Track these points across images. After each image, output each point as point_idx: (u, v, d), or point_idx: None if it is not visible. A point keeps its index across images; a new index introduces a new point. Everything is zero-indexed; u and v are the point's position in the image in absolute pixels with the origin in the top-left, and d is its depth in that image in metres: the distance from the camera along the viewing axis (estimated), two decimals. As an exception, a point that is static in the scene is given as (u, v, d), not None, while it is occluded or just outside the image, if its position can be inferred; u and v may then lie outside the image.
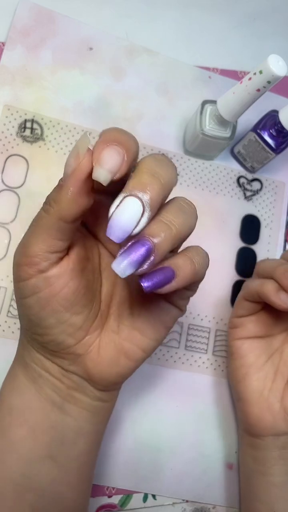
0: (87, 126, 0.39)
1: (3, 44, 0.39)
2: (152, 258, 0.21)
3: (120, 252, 0.21)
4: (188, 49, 0.43)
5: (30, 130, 0.38)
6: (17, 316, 0.35)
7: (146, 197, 0.20)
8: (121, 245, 0.21)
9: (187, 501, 0.37)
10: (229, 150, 0.42)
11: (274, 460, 0.33)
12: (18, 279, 0.24)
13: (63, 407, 0.27)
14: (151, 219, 0.21)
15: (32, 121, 0.38)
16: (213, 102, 0.36)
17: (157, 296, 0.24)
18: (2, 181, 0.37)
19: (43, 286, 0.23)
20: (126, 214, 0.20)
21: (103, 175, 0.20)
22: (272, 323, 0.36)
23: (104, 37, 0.41)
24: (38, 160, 0.38)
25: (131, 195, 0.20)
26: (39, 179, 0.37)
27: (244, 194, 0.42)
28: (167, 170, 0.22)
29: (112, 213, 0.20)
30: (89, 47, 0.40)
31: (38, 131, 0.38)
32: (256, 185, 0.42)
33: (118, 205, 0.20)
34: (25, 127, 0.38)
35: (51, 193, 0.22)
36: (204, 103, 0.36)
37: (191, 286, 0.25)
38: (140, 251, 0.20)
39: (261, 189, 0.42)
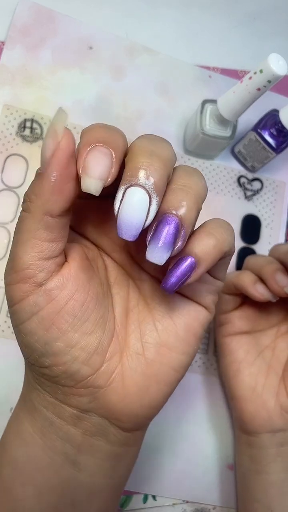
0: (87, 126, 0.39)
1: (3, 43, 0.39)
2: (183, 231, 0.18)
3: (148, 239, 0.19)
4: (188, 48, 0.43)
5: (30, 129, 0.38)
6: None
7: (149, 182, 0.18)
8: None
9: (187, 502, 0.36)
10: (230, 149, 0.42)
11: (271, 458, 0.33)
12: (13, 301, 0.20)
13: (77, 460, 0.22)
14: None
15: (32, 120, 0.38)
16: (214, 101, 0.36)
17: (180, 299, 0.22)
18: (2, 180, 0.37)
19: (43, 302, 0.20)
20: (133, 208, 0.18)
21: (93, 185, 0.18)
22: (258, 317, 0.35)
23: (104, 37, 0.41)
24: (37, 159, 0.38)
25: (132, 185, 0.18)
26: (39, 178, 0.37)
27: (245, 193, 0.41)
28: (163, 146, 0.19)
29: (118, 210, 0.18)
30: (89, 47, 0.40)
31: (38, 131, 0.38)
32: (256, 185, 0.42)
33: (121, 200, 0.18)
34: (24, 127, 0.38)
35: (28, 188, 0.19)
36: (205, 102, 0.36)
37: (219, 268, 0.22)
38: (169, 230, 0.18)
39: (261, 188, 0.42)
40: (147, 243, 0.19)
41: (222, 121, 0.36)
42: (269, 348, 0.35)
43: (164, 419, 0.37)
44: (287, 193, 0.43)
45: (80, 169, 0.18)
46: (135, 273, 0.24)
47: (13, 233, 0.36)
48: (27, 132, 0.38)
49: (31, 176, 0.37)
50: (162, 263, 0.18)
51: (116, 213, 0.18)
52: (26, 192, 0.19)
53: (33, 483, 0.22)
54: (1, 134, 0.37)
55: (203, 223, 0.21)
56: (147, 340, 0.22)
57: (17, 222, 0.20)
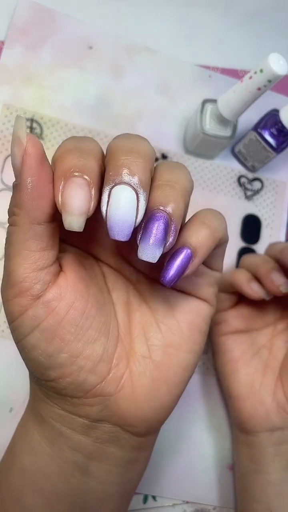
0: (87, 125, 0.39)
1: (3, 43, 0.38)
2: (173, 226, 0.18)
3: (139, 238, 0.18)
4: (188, 47, 0.43)
5: (30, 129, 0.38)
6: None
7: (134, 179, 0.17)
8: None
9: (187, 502, 0.36)
10: (230, 149, 0.42)
11: (270, 457, 0.33)
12: (13, 316, 0.20)
13: (88, 468, 0.22)
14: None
15: (32, 120, 0.38)
16: (214, 101, 0.36)
17: (180, 297, 0.22)
18: (2, 180, 0.37)
19: (43, 314, 0.19)
20: (122, 207, 0.17)
21: (75, 222, 0.17)
22: (254, 316, 0.35)
23: (103, 36, 0.41)
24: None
25: (116, 184, 0.17)
26: (38, 178, 0.37)
27: (245, 193, 0.41)
28: (140, 142, 0.19)
29: (106, 212, 0.18)
30: (88, 46, 0.40)
31: (38, 130, 0.38)
32: (256, 185, 0.42)
33: (107, 201, 0.18)
34: (24, 126, 0.38)
35: (10, 203, 0.19)
36: (205, 102, 0.36)
37: (215, 258, 0.23)
38: (158, 227, 0.18)
39: (261, 188, 0.42)
40: (138, 242, 0.18)
41: (222, 120, 0.35)
42: (266, 347, 0.35)
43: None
44: (287, 193, 0.43)
45: (59, 206, 0.17)
46: (132, 277, 0.24)
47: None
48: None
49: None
50: (155, 261, 0.18)
51: (104, 215, 0.18)
52: (9, 207, 0.19)
53: (43, 492, 0.22)
54: (1, 134, 0.37)
55: (194, 214, 0.21)
56: (153, 342, 0.22)
57: (6, 238, 0.20)
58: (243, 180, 0.42)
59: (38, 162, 0.18)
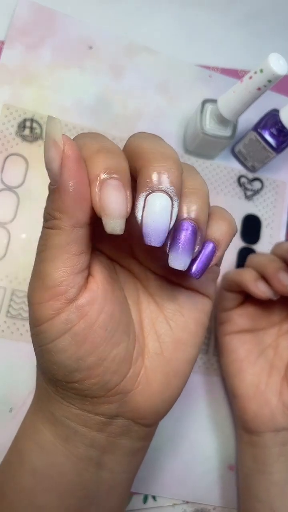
0: (87, 125, 0.39)
1: (3, 43, 0.38)
2: (200, 236, 0.19)
3: (168, 247, 0.19)
4: (188, 48, 0.43)
5: (30, 129, 0.38)
6: (16, 317, 0.35)
7: (170, 186, 0.18)
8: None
9: (187, 502, 0.36)
10: (230, 149, 0.42)
11: (274, 458, 0.33)
12: (42, 320, 0.19)
13: (100, 461, 0.23)
14: None
15: (32, 120, 0.38)
16: (214, 101, 0.36)
17: (186, 293, 0.23)
18: (2, 180, 0.37)
19: (76, 318, 0.19)
20: (159, 215, 0.17)
21: (118, 226, 0.18)
22: (259, 316, 0.35)
23: (103, 36, 0.41)
24: (37, 159, 0.38)
25: (154, 191, 0.18)
26: (38, 178, 0.37)
27: (245, 193, 0.41)
28: (167, 145, 0.19)
29: (142, 218, 0.18)
30: (88, 46, 0.40)
31: (38, 130, 0.38)
32: (256, 185, 0.42)
33: (143, 208, 0.18)
34: (24, 126, 0.38)
35: (48, 207, 0.19)
36: (205, 102, 0.36)
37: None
38: (188, 236, 0.19)
39: (261, 188, 0.42)
40: (167, 251, 0.19)
41: (222, 120, 0.35)
42: (271, 347, 0.35)
43: (164, 419, 0.37)
44: (287, 193, 0.43)
45: (98, 209, 0.18)
46: (141, 274, 0.24)
47: (12, 233, 0.36)
48: (27, 131, 0.38)
49: (31, 176, 0.37)
50: (185, 269, 0.19)
51: (139, 221, 0.18)
52: (46, 211, 0.19)
53: (56, 489, 0.22)
54: (1, 134, 0.37)
55: (211, 209, 0.22)
56: (164, 339, 0.23)
57: (42, 240, 0.20)
58: (243, 180, 0.42)
59: (77, 164, 0.18)
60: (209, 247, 0.20)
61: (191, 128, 0.38)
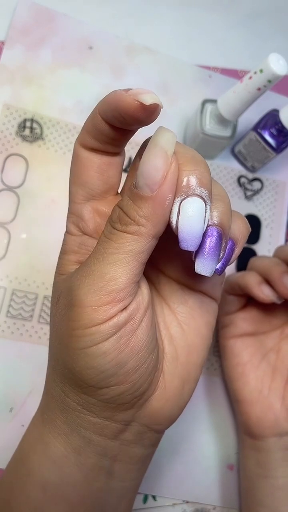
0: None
1: (3, 43, 0.39)
2: (225, 241, 0.19)
3: (194, 255, 0.19)
4: (188, 48, 0.43)
5: (30, 129, 0.38)
6: (16, 317, 0.35)
7: (205, 191, 0.18)
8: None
9: (187, 502, 0.36)
10: (230, 149, 0.42)
11: (278, 462, 0.33)
12: (91, 323, 0.19)
13: (111, 470, 0.22)
14: None
15: (32, 120, 0.38)
16: (214, 101, 0.36)
17: (196, 296, 0.23)
18: (2, 180, 0.37)
19: (123, 323, 0.19)
20: (195, 219, 0.18)
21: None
22: (262, 319, 0.35)
23: (104, 36, 0.41)
24: (37, 159, 0.38)
25: (189, 195, 0.18)
26: (38, 178, 0.37)
27: (245, 193, 0.41)
28: (186, 146, 0.19)
29: (177, 223, 0.18)
30: (89, 46, 0.40)
31: (38, 131, 0.38)
32: (256, 185, 0.42)
33: (178, 212, 0.18)
34: (24, 127, 0.38)
35: (132, 210, 0.18)
36: (205, 102, 0.36)
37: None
38: (215, 243, 0.19)
39: (261, 188, 0.42)
40: (193, 257, 0.19)
41: (222, 121, 0.35)
42: (273, 350, 0.35)
43: (164, 419, 0.37)
44: (287, 193, 0.43)
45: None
46: (154, 278, 0.24)
47: (12, 233, 0.36)
48: (27, 132, 0.38)
49: (31, 176, 0.37)
50: (211, 275, 0.19)
51: (174, 226, 0.18)
52: (129, 214, 0.18)
53: (66, 500, 0.22)
54: (1, 134, 0.37)
55: None
56: (178, 343, 0.22)
57: (113, 242, 0.19)
58: (243, 180, 0.42)
59: (175, 183, 0.18)
60: (228, 245, 0.20)
61: (191, 128, 0.38)
